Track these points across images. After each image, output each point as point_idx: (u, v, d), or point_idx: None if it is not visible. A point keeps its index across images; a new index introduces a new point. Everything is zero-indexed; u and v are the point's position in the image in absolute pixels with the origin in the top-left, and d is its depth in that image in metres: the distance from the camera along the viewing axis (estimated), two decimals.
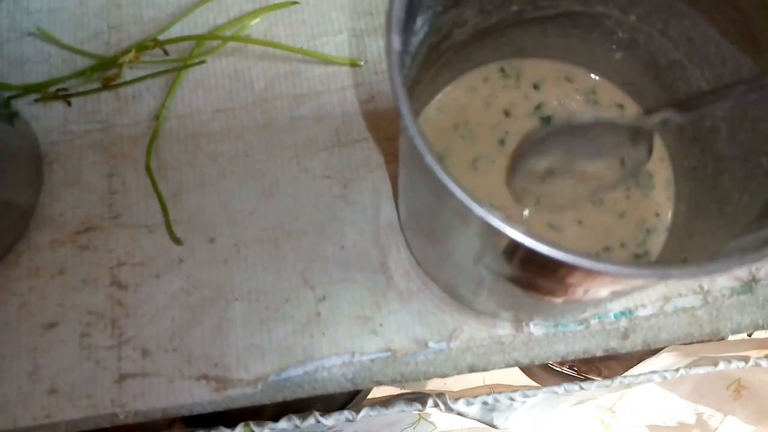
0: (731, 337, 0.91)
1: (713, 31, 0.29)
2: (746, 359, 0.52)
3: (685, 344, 0.84)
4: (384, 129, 0.42)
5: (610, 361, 1.09)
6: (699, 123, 0.32)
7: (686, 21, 0.30)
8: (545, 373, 1.07)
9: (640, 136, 0.31)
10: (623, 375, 0.50)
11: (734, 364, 0.51)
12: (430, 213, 0.28)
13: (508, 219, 0.19)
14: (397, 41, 0.21)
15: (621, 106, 0.37)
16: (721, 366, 0.51)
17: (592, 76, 0.37)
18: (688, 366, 0.51)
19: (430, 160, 0.20)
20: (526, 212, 0.35)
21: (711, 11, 0.28)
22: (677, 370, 0.50)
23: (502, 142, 0.37)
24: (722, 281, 0.39)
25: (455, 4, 0.29)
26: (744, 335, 0.90)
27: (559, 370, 1.06)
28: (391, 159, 0.41)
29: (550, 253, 0.19)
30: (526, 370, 1.12)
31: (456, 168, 0.36)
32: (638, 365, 0.85)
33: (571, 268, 0.20)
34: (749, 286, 0.38)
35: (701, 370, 0.51)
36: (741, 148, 0.29)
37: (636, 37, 0.33)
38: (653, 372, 0.50)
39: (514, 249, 0.23)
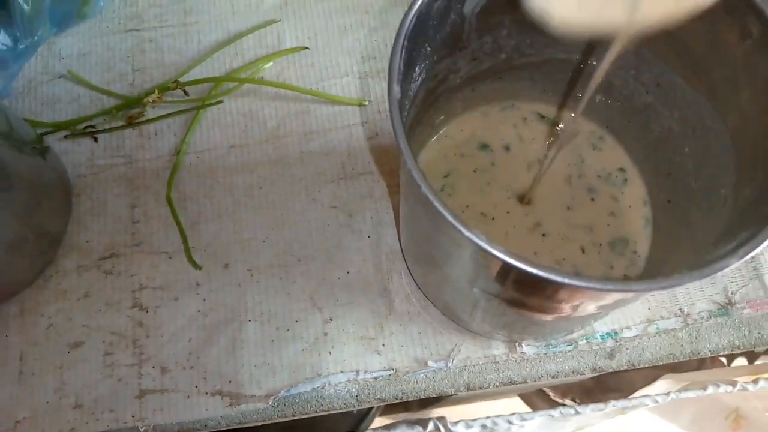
0: (734, 364, 0.92)
1: (678, 78, 0.33)
2: (734, 383, 0.54)
3: (683, 372, 0.86)
4: (386, 163, 0.46)
5: (611, 393, 1.10)
6: (671, 157, 0.36)
7: (654, 68, 0.34)
8: (548, 405, 1.08)
9: None
10: (616, 399, 0.52)
11: (722, 388, 0.54)
12: (428, 239, 0.31)
13: (491, 241, 0.22)
14: (396, 90, 0.25)
15: (601, 138, 0.41)
16: (710, 390, 0.53)
17: (574, 116, 0.41)
18: (679, 390, 0.54)
19: (425, 189, 0.23)
20: None
21: (673, 61, 0.32)
22: (668, 394, 0.52)
23: (493, 164, 0.40)
24: (701, 305, 0.42)
25: (449, 54, 0.33)
26: (745, 362, 0.92)
27: (561, 401, 1.08)
28: (393, 191, 0.45)
29: (529, 269, 0.22)
30: (529, 402, 1.14)
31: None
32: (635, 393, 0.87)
33: (549, 283, 0.23)
34: (726, 309, 0.41)
35: (691, 394, 0.54)
36: (705, 181, 0.32)
37: (612, 81, 0.37)
38: (645, 396, 0.52)
39: (502, 270, 0.26)
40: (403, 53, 0.26)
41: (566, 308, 0.28)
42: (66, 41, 0.51)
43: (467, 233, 0.23)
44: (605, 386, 1.11)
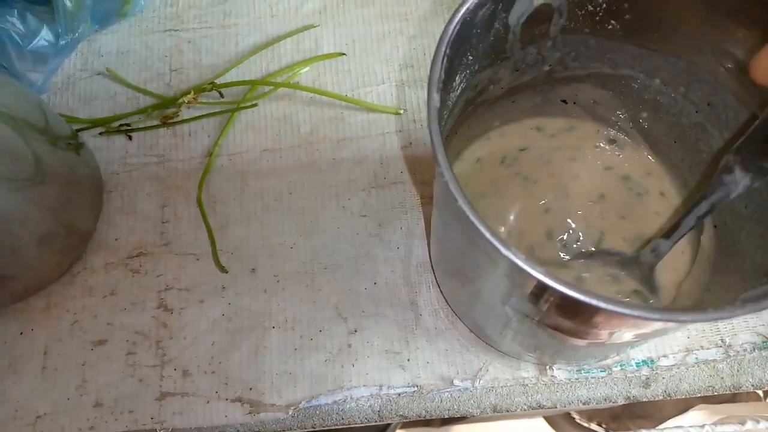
0: None
1: (731, 98, 0.31)
2: None
3: (717, 403, 0.82)
4: (419, 173, 0.45)
5: (640, 419, 1.07)
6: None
7: (706, 87, 0.32)
8: (574, 429, 1.05)
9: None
10: (646, 427, 0.50)
11: (762, 424, 0.51)
12: (461, 253, 0.30)
13: (530, 261, 0.21)
14: (436, 98, 0.24)
15: (648, 158, 0.39)
16: (749, 425, 0.51)
17: (619, 134, 0.39)
18: (714, 424, 0.51)
19: (462, 203, 0.22)
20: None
21: (729, 79, 0.30)
22: (703, 426, 0.50)
23: (535, 182, 0.39)
24: (744, 336, 0.39)
25: (491, 64, 0.32)
26: None
27: (587, 425, 1.05)
28: (425, 201, 0.44)
29: (568, 292, 0.21)
30: (554, 424, 1.11)
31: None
32: (667, 422, 0.84)
33: (588, 308, 0.22)
34: None
35: (728, 429, 0.51)
36: (757, 206, 0.30)
37: (660, 99, 0.35)
38: (678, 427, 0.50)
39: (538, 289, 0.25)
40: (445, 61, 0.25)
41: (603, 334, 0.27)
42: (106, 39, 0.51)
43: (505, 251, 0.22)
44: (634, 413, 1.08)
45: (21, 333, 0.42)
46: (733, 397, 0.88)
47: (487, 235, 0.22)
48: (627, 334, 0.26)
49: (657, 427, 0.50)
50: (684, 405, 0.90)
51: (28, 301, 0.43)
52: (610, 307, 0.21)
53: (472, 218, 0.22)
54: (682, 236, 0.32)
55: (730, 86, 0.31)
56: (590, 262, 0.37)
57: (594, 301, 0.21)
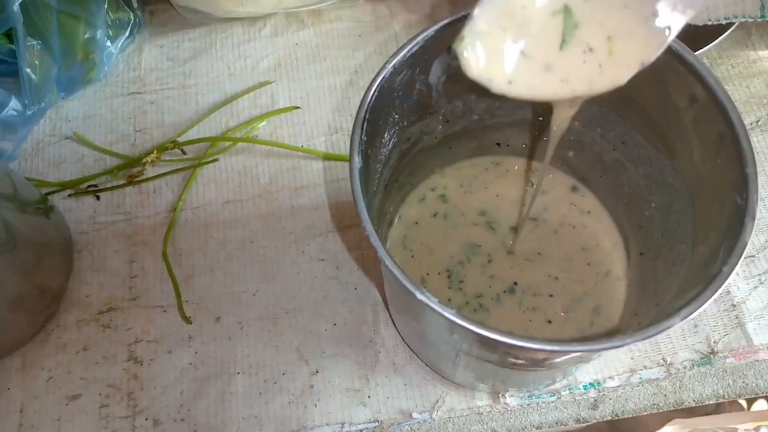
0: (754, 407, 0.90)
1: (639, 136, 0.34)
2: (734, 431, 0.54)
3: (696, 416, 0.84)
4: None
5: None
6: (641, 211, 0.37)
7: (619, 128, 0.35)
8: None
9: None
10: None
11: None
12: (400, 299, 0.32)
13: (443, 304, 0.24)
14: (358, 160, 0.27)
15: (575, 188, 0.42)
16: None
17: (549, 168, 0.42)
18: None
19: (381, 253, 0.25)
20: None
21: (635, 121, 0.33)
22: None
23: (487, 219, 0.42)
24: (683, 354, 0.42)
25: (420, 119, 0.35)
26: (766, 405, 0.90)
27: None
28: None
29: (478, 330, 0.23)
30: None
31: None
32: None
33: (499, 343, 0.24)
34: (708, 358, 0.42)
35: None
36: (669, 236, 0.33)
37: (582, 139, 0.38)
38: None
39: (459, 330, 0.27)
40: (366, 125, 0.28)
41: (529, 363, 0.29)
42: (72, 104, 0.54)
43: (420, 296, 0.24)
44: (619, 429, 1.09)
45: None
46: (717, 408, 0.89)
47: (403, 280, 0.24)
48: (549, 362, 0.29)
49: None
50: (665, 419, 0.92)
51: (3, 361, 0.44)
52: (519, 342, 0.23)
53: (392, 268, 0.25)
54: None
55: (637, 127, 0.34)
56: None
57: (502, 338, 0.23)
